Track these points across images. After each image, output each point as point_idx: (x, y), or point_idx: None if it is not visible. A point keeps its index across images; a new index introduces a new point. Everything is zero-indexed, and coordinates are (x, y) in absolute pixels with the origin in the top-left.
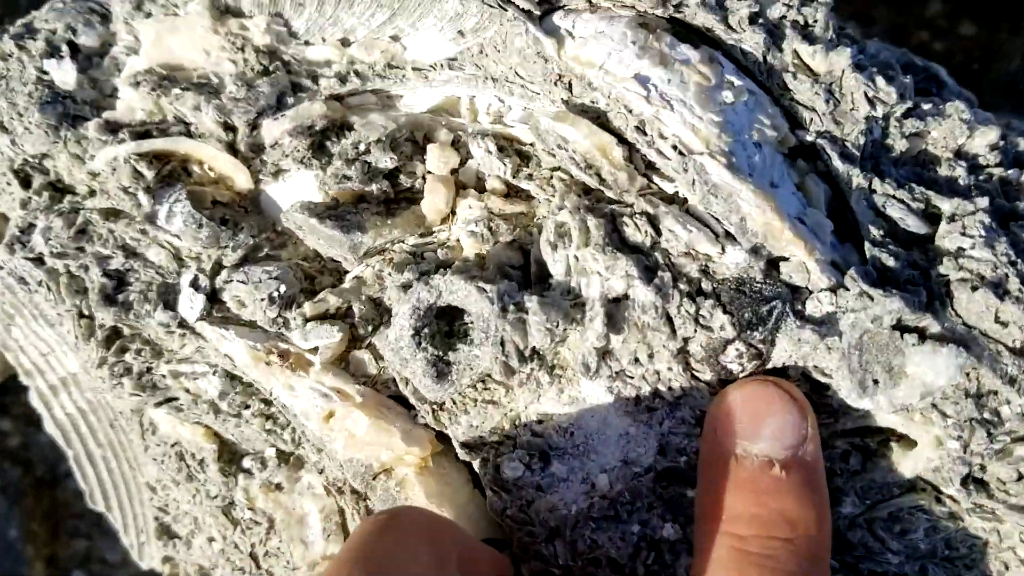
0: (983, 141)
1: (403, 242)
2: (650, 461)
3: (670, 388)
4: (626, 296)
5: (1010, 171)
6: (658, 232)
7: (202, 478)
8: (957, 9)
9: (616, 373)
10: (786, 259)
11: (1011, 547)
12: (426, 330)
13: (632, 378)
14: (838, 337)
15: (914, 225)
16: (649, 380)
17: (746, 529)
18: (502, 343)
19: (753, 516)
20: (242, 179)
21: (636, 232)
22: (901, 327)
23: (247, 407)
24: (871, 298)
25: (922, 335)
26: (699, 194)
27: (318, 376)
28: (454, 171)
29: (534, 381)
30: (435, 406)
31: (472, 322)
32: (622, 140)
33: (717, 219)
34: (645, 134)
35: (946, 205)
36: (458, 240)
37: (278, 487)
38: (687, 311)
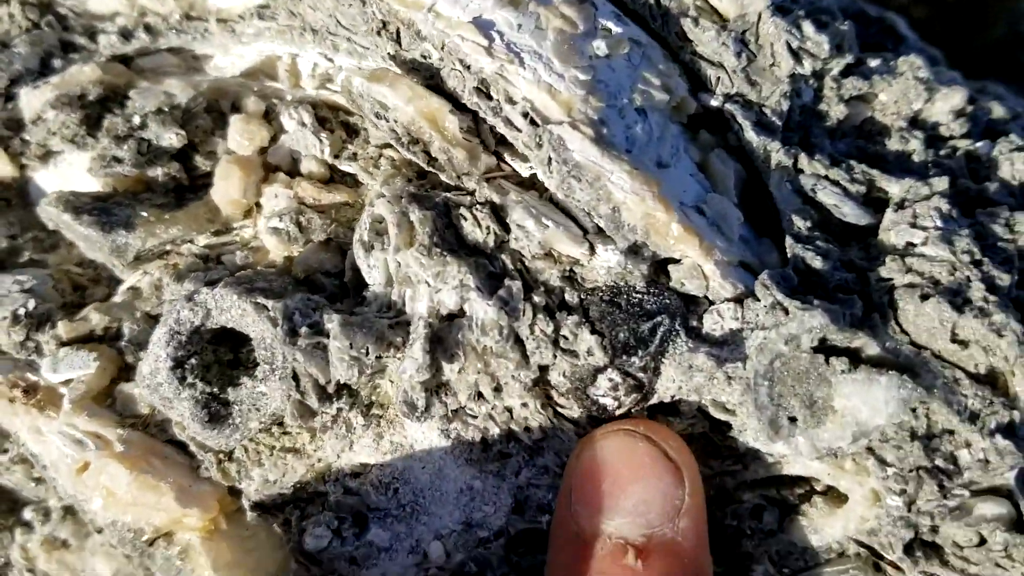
0: (945, 106)
1: (191, 242)
2: (501, 523)
3: (527, 429)
4: (462, 312)
5: (979, 143)
6: (505, 228)
7: None
8: None
9: (453, 412)
10: (676, 261)
11: None
12: (193, 360)
13: (475, 418)
14: (741, 363)
15: (852, 214)
16: (498, 420)
17: None
18: (295, 377)
19: None
20: None
21: (476, 228)
22: (826, 349)
23: (4, 451)
24: (786, 311)
25: (855, 359)
26: (557, 177)
27: (68, 417)
28: (263, 150)
29: (343, 425)
30: (221, 455)
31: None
32: (460, 106)
33: (587, 211)
34: (489, 97)
35: (895, 188)
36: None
37: (64, 544)
38: (543, 331)
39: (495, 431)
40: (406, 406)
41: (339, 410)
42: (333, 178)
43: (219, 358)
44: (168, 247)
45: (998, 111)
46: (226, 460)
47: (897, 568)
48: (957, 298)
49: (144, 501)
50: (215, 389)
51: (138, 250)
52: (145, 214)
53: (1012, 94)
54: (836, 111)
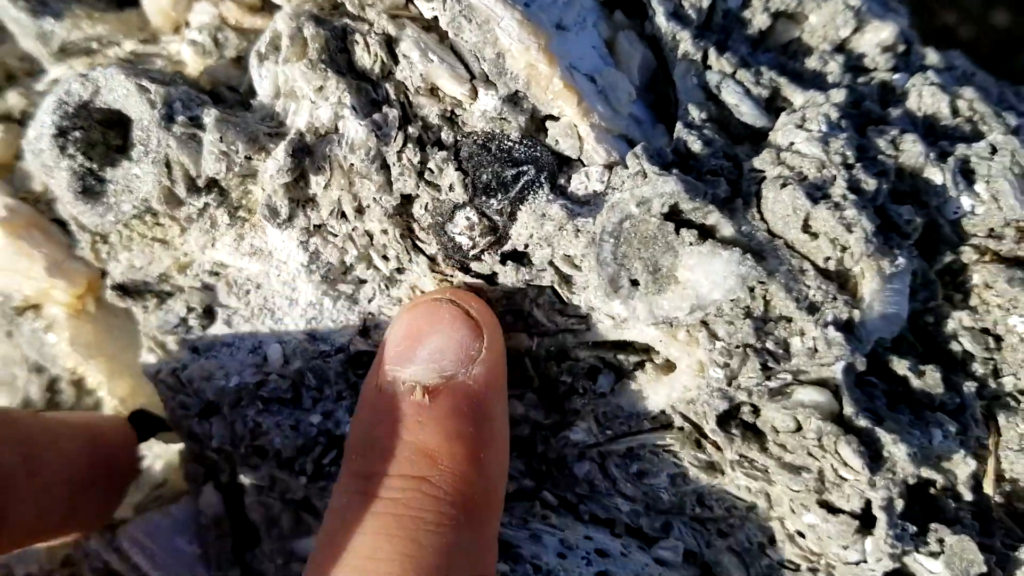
0: (874, 38)
1: (119, 46)
2: (344, 341)
3: (385, 258)
4: (336, 130)
5: (896, 75)
6: (395, 60)
7: None
8: None
9: (315, 227)
10: (555, 118)
11: (780, 517)
12: (76, 133)
13: (335, 236)
14: (592, 219)
15: (749, 114)
16: (358, 243)
17: (375, 466)
18: (167, 163)
19: (384, 450)
20: None
21: (365, 54)
22: (678, 219)
23: None
24: (645, 176)
25: (705, 234)
26: (448, 14)
27: None
28: None
29: (208, 220)
30: (96, 237)
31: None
32: None
33: (474, 54)
34: None
35: (799, 98)
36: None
37: None
38: (410, 160)
39: (353, 253)
40: (268, 210)
41: (206, 205)
42: (264, 7)
43: (108, 141)
44: (95, 45)
45: (932, 58)
46: (100, 242)
47: (717, 447)
48: (817, 192)
49: (17, 267)
50: (94, 165)
51: (63, 40)
52: (78, 10)
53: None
54: (759, 21)
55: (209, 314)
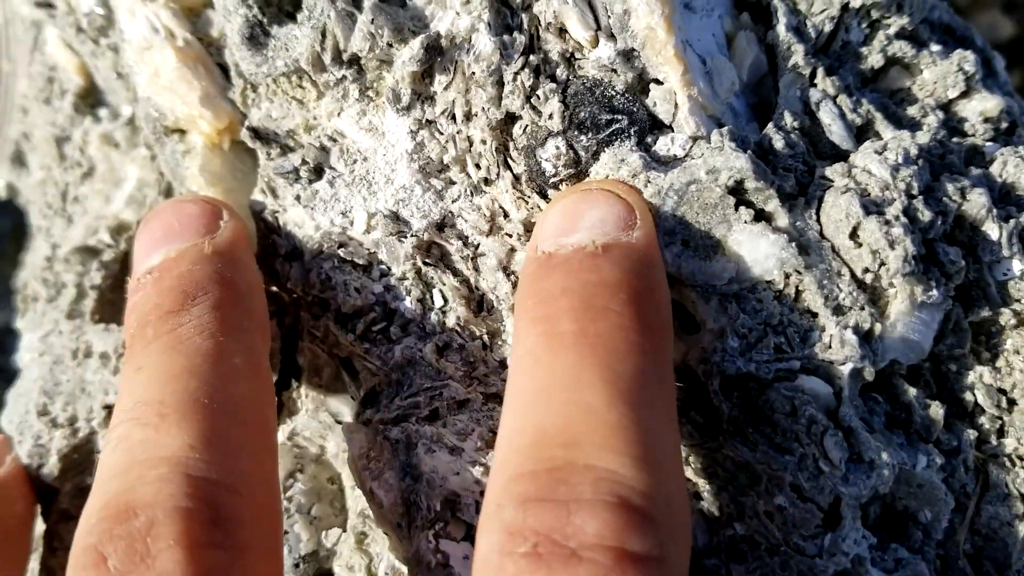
0: (978, 106)
1: None
2: (420, 227)
3: (477, 166)
4: (468, 41)
5: (988, 143)
6: None
7: (57, 105)
8: None
9: (427, 122)
10: (659, 83)
11: (756, 493)
12: None
13: (441, 134)
14: (663, 174)
15: (838, 135)
16: (459, 145)
17: (558, 304)
18: (323, 32)
19: (565, 290)
20: None
21: None
22: (740, 198)
23: (105, 35)
24: (720, 150)
25: (761, 217)
26: None
27: (157, 8)
28: None
29: (341, 91)
30: (248, 85)
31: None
32: None
33: (606, 7)
34: None
35: (888, 134)
36: None
37: (115, 144)
38: (523, 83)
39: (452, 153)
40: (392, 94)
41: (344, 77)
42: None
43: (282, 6)
44: None
45: None
46: (250, 90)
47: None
48: (873, 206)
49: (177, 89)
50: (265, 19)
51: None
52: None
53: None
54: (874, 60)
55: (319, 172)
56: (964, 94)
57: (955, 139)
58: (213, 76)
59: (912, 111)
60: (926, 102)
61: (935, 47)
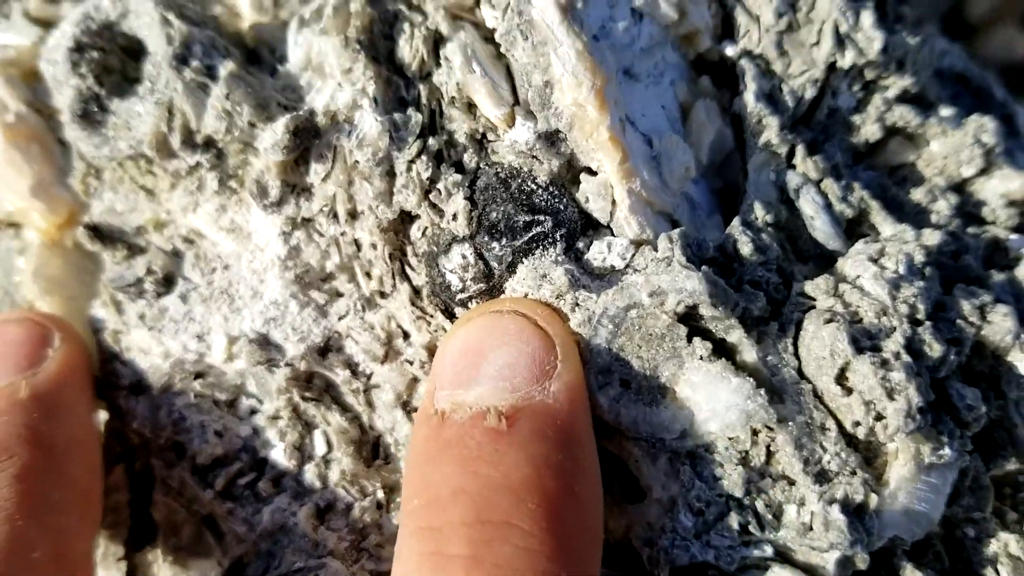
0: (1000, 186)
1: None
2: (297, 354)
3: (368, 275)
4: (351, 120)
5: (1014, 236)
6: (438, 60)
7: None
8: None
9: (303, 220)
10: (592, 173)
11: None
12: (94, 54)
13: (321, 236)
14: (595, 295)
15: (822, 231)
16: (344, 251)
17: (445, 514)
18: (169, 109)
19: (455, 492)
20: None
21: (408, 46)
22: (695, 325)
23: None
24: (669, 264)
25: (722, 351)
26: (506, 24)
27: None
28: None
29: (196, 180)
30: (91, 169)
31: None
32: None
33: (523, 76)
34: None
35: (887, 229)
36: None
37: None
38: (419, 174)
39: (336, 260)
40: (257, 187)
41: (198, 164)
42: None
43: (126, 71)
44: None
45: None
46: (92, 175)
47: None
48: (866, 340)
49: (4, 176)
50: (102, 92)
51: None
52: None
53: None
54: (870, 131)
55: (168, 283)
56: (982, 171)
57: (971, 228)
58: (52, 157)
59: (917, 195)
60: (935, 182)
61: (945, 110)
